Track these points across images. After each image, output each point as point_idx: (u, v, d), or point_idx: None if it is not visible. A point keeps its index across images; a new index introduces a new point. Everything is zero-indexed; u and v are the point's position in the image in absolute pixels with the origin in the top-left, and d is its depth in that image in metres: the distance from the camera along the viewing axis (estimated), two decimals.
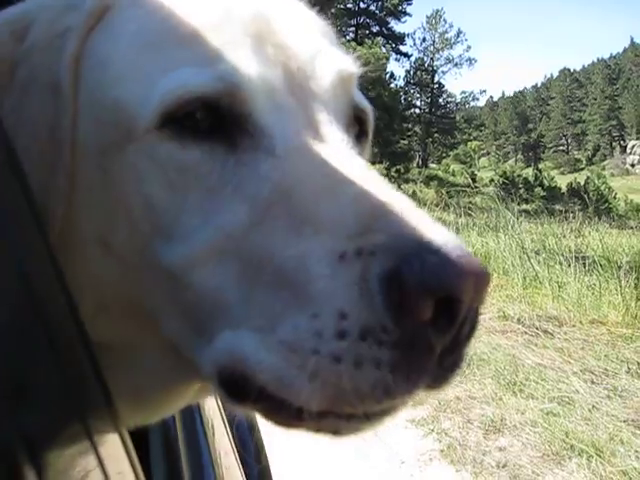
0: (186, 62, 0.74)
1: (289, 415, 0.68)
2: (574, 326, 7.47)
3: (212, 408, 1.67)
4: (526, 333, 7.22)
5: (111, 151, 0.76)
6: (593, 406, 5.25)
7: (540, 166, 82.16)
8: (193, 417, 1.43)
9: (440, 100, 74.49)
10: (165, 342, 0.79)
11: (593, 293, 8.29)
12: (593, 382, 5.78)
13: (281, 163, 0.74)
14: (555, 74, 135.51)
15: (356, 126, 0.90)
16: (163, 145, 0.74)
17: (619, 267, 8.75)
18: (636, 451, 4.47)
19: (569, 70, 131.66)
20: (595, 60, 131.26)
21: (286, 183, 0.73)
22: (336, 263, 0.65)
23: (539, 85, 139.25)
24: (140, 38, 0.79)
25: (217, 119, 0.75)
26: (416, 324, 0.62)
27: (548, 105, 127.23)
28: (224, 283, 0.71)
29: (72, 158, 0.76)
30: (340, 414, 0.67)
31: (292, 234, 0.69)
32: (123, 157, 0.75)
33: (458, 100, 78.70)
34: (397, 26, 64.74)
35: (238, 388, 0.70)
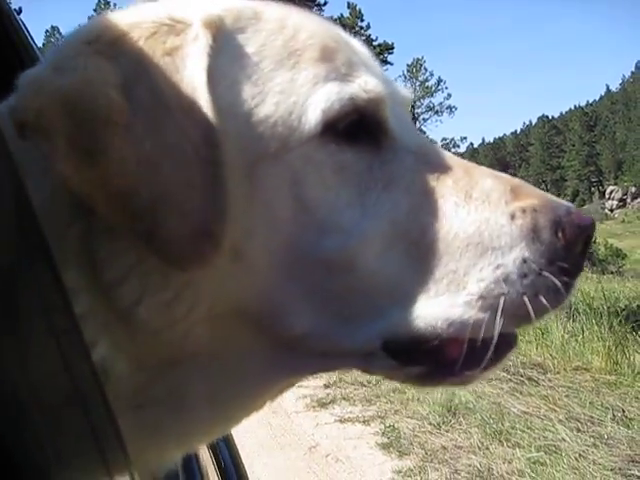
0: (326, 78, 0.85)
1: (452, 369, 0.84)
2: (558, 373, 7.48)
3: (205, 457, 1.67)
4: (511, 381, 7.21)
5: (263, 161, 0.82)
6: (580, 454, 5.22)
7: None
8: (192, 468, 1.44)
9: None
10: (259, 344, 0.84)
11: (576, 340, 8.33)
12: (579, 430, 5.75)
13: (421, 157, 0.90)
14: (534, 121, 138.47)
15: None
16: (325, 149, 0.84)
17: (601, 314, 8.82)
18: None
19: (547, 117, 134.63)
20: (572, 107, 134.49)
21: (437, 171, 0.89)
22: (510, 221, 0.85)
23: (518, 132, 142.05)
24: (267, 58, 0.85)
25: (360, 125, 0.87)
26: (575, 255, 0.85)
27: (527, 151, 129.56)
28: (394, 263, 0.83)
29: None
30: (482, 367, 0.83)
31: (461, 209, 0.86)
32: (276, 165, 0.82)
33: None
34: None
35: (406, 353, 0.85)
